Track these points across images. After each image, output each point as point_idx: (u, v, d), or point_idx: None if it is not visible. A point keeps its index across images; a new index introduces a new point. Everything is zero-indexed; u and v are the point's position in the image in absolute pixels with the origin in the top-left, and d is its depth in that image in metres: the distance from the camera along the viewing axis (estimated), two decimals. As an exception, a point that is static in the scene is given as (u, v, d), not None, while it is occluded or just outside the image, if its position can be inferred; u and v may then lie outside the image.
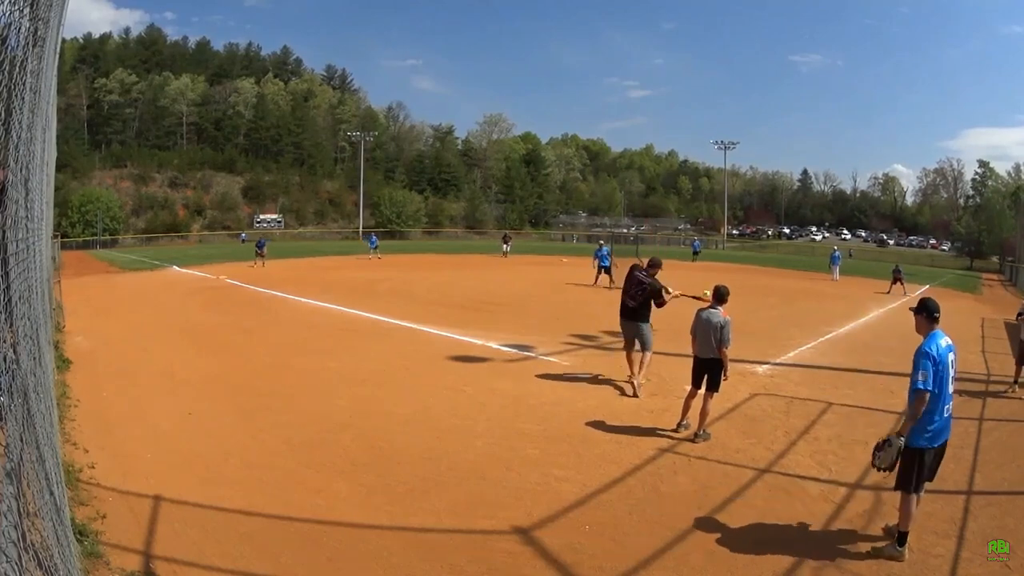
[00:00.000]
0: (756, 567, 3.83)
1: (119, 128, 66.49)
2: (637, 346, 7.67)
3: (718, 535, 4.22)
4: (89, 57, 68.05)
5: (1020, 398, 7.86)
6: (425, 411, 6.77)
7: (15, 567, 1.71)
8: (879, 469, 4.08)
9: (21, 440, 2.18)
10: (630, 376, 7.62)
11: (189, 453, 5.47)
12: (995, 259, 50.45)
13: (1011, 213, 53.15)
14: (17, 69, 2.16)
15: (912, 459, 3.96)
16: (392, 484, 4.93)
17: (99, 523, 4.00)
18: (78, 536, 3.54)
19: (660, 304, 7.58)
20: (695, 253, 35.54)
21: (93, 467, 4.92)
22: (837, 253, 26.98)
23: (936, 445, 4.01)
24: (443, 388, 7.63)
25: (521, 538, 4.14)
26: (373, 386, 7.73)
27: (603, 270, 20.60)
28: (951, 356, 4.06)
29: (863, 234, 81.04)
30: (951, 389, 4.04)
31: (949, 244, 64.52)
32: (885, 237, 75.56)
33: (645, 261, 7.96)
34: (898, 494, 4.05)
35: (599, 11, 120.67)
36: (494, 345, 10.29)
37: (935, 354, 3.97)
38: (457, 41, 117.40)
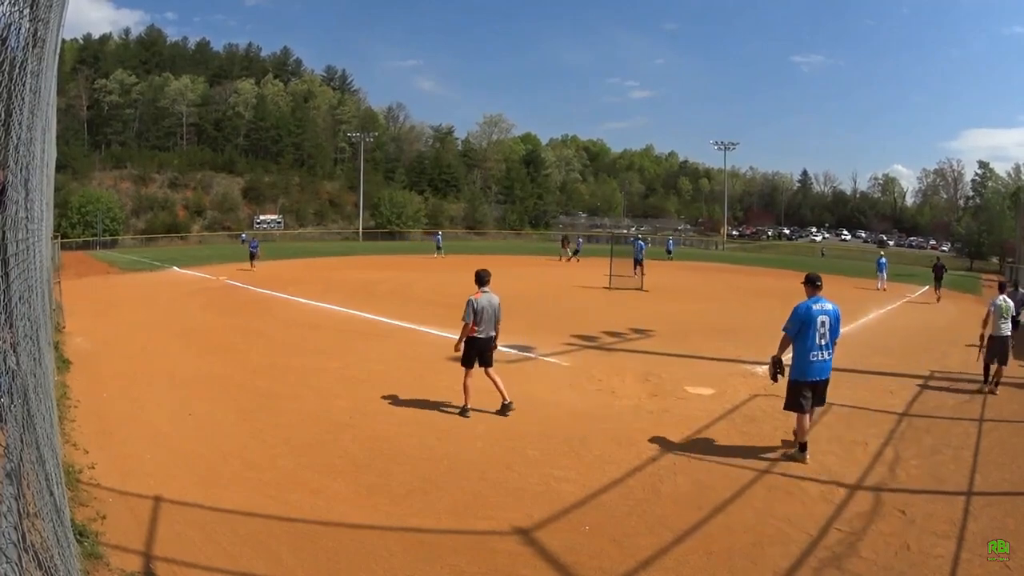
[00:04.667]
0: (756, 568, 3.82)
1: (119, 129, 66.47)
2: None
3: (718, 536, 4.21)
4: (89, 58, 68.00)
5: (994, 394, 7.95)
6: (425, 411, 6.77)
7: (15, 568, 1.71)
8: (771, 378, 5.63)
9: (21, 441, 2.18)
10: None
11: (189, 454, 5.47)
12: (995, 260, 50.43)
13: (1011, 214, 53.09)
14: (17, 70, 2.16)
15: (791, 389, 5.48)
16: (392, 484, 4.93)
17: (99, 524, 4.00)
18: (78, 537, 3.54)
19: None
20: (668, 252, 36.23)
21: (93, 468, 4.92)
22: (883, 259, 24.01)
23: (809, 380, 5.38)
24: (443, 388, 7.63)
25: (521, 539, 4.13)
26: (373, 386, 7.73)
27: (637, 263, 21.09)
28: (823, 318, 5.37)
29: (863, 235, 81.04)
30: (820, 342, 5.36)
31: (949, 245, 64.48)
32: (885, 238, 75.47)
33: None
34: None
35: (600, 11, 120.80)
36: (494, 346, 10.28)
37: (802, 311, 5.41)
38: (457, 41, 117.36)
